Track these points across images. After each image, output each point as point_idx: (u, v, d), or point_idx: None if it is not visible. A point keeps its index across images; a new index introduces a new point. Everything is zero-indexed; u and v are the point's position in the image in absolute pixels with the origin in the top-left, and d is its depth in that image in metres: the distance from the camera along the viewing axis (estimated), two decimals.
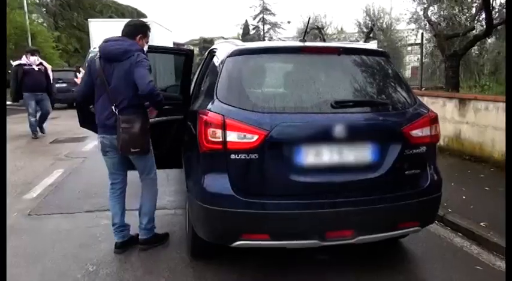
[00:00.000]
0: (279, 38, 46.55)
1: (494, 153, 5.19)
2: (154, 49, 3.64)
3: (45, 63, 8.53)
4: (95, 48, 13.47)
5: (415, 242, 3.39)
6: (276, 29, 48.65)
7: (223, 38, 63.53)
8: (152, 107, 3.05)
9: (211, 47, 3.91)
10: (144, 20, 16.18)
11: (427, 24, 7.28)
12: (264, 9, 49.25)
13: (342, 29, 16.74)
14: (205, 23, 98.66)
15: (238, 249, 2.63)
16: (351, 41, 14.11)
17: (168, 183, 4.87)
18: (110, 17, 32.73)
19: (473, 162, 5.51)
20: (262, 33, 48.51)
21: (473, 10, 7.41)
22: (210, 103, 2.62)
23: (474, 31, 6.64)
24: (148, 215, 3.21)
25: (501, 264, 3.07)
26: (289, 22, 52.80)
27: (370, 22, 13.93)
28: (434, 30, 6.86)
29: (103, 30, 14.44)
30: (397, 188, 2.63)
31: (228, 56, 2.76)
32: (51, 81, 8.55)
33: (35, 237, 3.50)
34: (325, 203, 2.50)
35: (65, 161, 6.29)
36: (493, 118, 5.16)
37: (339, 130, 2.49)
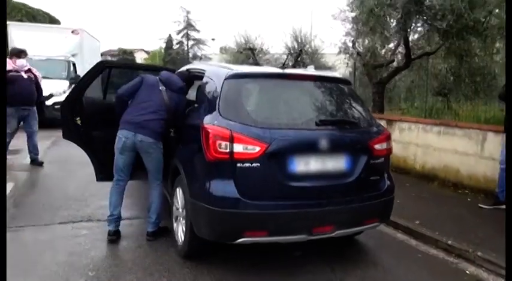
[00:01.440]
0: (203, 54, 47.06)
1: (416, 165, 6.25)
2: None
3: (34, 69, 6.72)
4: None
5: (367, 238, 4.06)
6: (201, 45, 49.23)
7: (144, 50, 61.73)
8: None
9: (191, 67, 4.26)
10: (68, 27, 15.14)
11: (355, 54, 8.38)
12: (188, 25, 49.57)
13: (264, 49, 17.31)
14: (123, 33, 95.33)
15: (229, 248, 3.11)
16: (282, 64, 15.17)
17: (135, 195, 5.00)
18: (20, 20, 30.39)
19: (398, 173, 6.51)
20: (186, 48, 48.64)
21: (391, 44, 8.71)
22: (214, 119, 3.01)
23: (395, 63, 7.91)
24: (156, 212, 3.74)
25: (435, 251, 3.88)
26: (213, 39, 53.90)
27: (298, 47, 15.20)
28: (363, 60, 7.98)
29: (26, 36, 13.53)
30: (364, 191, 3.26)
31: (226, 79, 3.19)
32: (42, 93, 6.84)
33: (18, 248, 3.45)
34: (313, 204, 3.03)
35: (9, 175, 5.93)
36: (415, 136, 6.23)
37: (322, 144, 3.06)
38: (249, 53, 15.62)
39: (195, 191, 3.07)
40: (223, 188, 2.90)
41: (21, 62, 6.32)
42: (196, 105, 3.54)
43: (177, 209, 3.56)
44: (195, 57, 47.39)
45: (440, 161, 5.90)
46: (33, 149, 6.67)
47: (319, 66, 12.81)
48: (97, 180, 4.13)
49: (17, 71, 6.25)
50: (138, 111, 3.55)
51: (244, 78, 3.30)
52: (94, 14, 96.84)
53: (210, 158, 2.91)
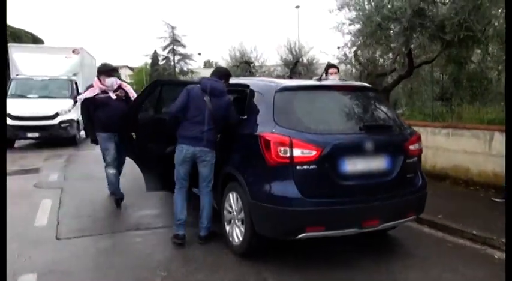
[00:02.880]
0: (189, 69, 47.32)
1: (426, 165, 6.65)
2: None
3: (123, 84, 5.60)
4: (18, 75, 12.63)
5: (398, 233, 4.42)
6: (187, 60, 49.62)
7: (128, 67, 61.60)
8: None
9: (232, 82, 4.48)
10: (68, 47, 15.13)
11: (358, 64, 8.85)
12: (174, 41, 50.00)
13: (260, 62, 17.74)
14: (106, 50, 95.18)
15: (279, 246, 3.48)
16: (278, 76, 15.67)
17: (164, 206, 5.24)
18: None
19: None
20: (172, 64, 48.96)
21: (390, 54, 9.21)
22: (271, 127, 3.37)
23: (396, 71, 8.43)
24: (208, 218, 4.00)
25: (462, 241, 4.25)
26: (199, 54, 54.41)
27: (293, 59, 15.75)
28: (367, 70, 8.46)
29: (28, 57, 13.68)
30: (403, 187, 3.64)
31: (277, 91, 3.57)
32: None
33: (86, 256, 3.72)
34: (362, 200, 3.40)
35: (41, 192, 6.10)
36: (424, 139, 6.61)
37: (367, 146, 3.44)
38: (245, 66, 16.10)
39: (257, 193, 3.38)
40: (285, 188, 3.23)
41: (110, 81, 5.29)
42: (245, 117, 3.87)
43: (230, 212, 3.87)
44: (182, 72, 47.57)
45: (450, 161, 6.35)
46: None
47: (315, 75, 13.34)
48: (147, 190, 4.41)
49: (105, 92, 5.27)
50: (193, 126, 3.83)
51: (291, 90, 3.67)
52: (76, 32, 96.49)
53: (271, 163, 3.25)
